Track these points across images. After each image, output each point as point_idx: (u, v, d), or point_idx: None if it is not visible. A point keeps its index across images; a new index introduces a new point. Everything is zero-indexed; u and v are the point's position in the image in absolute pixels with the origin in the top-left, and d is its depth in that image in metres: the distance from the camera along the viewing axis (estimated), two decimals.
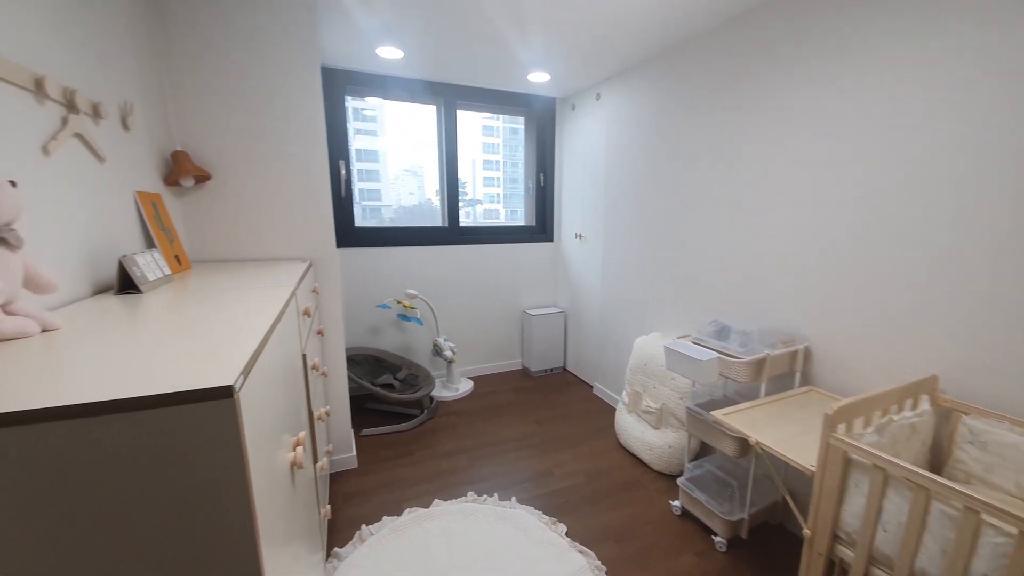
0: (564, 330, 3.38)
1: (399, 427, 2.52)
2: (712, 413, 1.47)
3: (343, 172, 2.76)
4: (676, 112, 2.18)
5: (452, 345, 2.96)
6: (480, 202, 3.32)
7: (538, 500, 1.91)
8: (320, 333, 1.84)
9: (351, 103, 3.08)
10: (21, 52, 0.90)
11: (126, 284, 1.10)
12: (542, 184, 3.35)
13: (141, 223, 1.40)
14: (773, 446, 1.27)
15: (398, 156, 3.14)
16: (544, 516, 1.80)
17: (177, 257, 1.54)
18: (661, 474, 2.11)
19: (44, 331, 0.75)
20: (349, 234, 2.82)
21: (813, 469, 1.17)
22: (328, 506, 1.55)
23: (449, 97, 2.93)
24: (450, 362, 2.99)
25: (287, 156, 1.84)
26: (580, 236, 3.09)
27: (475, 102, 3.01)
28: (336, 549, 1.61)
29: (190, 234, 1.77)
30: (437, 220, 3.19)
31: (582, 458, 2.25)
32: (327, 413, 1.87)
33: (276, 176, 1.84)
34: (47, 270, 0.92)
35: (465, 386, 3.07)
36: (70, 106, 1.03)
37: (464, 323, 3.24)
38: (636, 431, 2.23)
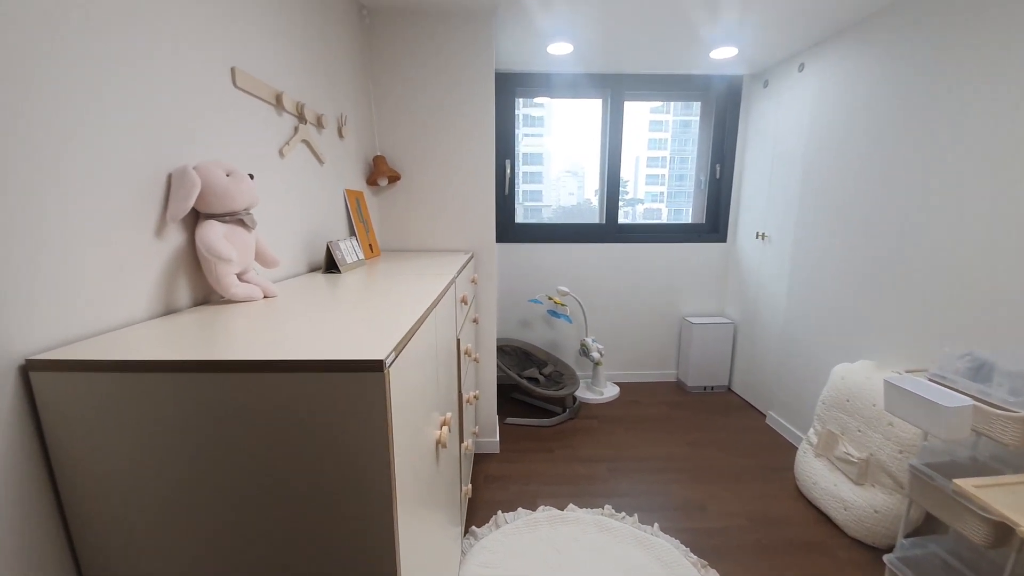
0: (732, 344, 2.94)
1: (541, 422, 2.53)
2: (956, 482, 1.06)
3: (508, 171, 2.90)
4: (915, 82, 1.65)
5: (600, 347, 2.86)
6: (641, 201, 3.13)
7: (685, 534, 1.69)
8: (475, 321, 1.96)
9: (522, 110, 3.33)
10: (265, 71, 1.14)
11: (331, 264, 1.32)
12: (718, 177, 2.97)
13: (347, 215, 1.68)
14: None
15: (560, 158, 3.16)
16: (691, 555, 1.58)
17: (371, 245, 1.81)
18: (857, 542, 1.65)
19: (266, 297, 0.93)
20: (509, 229, 2.95)
21: None
22: (469, 485, 1.63)
23: (617, 88, 2.80)
24: (596, 364, 2.89)
25: (460, 158, 2.00)
26: (763, 236, 2.64)
27: (645, 90, 2.82)
28: (474, 527, 1.69)
29: (383, 226, 2.07)
30: (595, 219, 3.11)
31: (746, 498, 1.91)
32: (476, 397, 1.98)
33: (450, 176, 2.01)
34: (274, 248, 1.16)
35: (611, 391, 2.93)
36: (300, 117, 1.28)
37: (615, 325, 3.09)
38: (826, 481, 1.79)
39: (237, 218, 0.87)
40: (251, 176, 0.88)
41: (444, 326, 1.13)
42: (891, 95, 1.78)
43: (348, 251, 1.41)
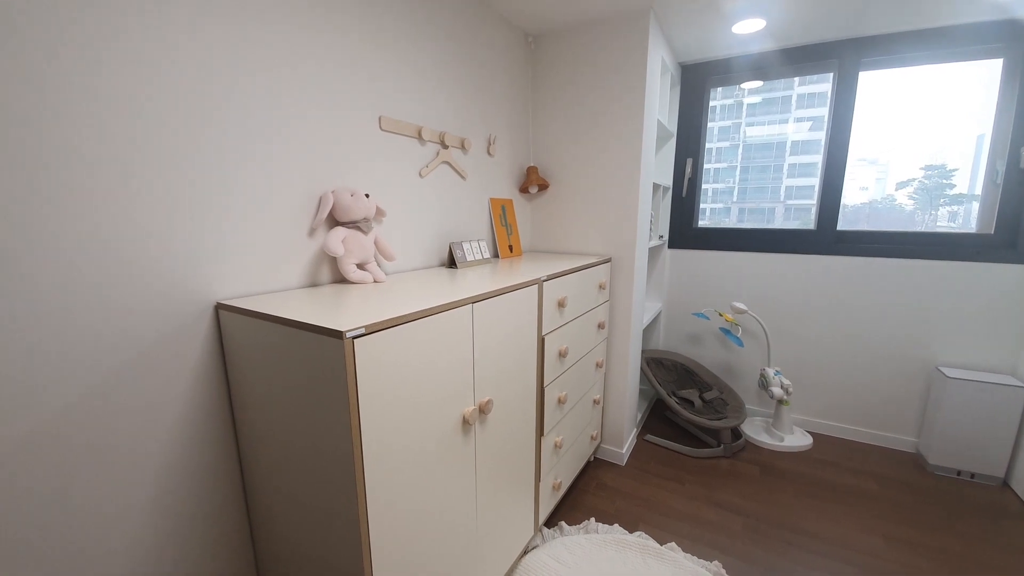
0: (1021, 419, 1.92)
1: (683, 449, 2.29)
2: None
3: (688, 170, 2.67)
4: None
5: (786, 382, 2.34)
6: (976, 198, 2.34)
7: None
8: (601, 326, 1.96)
9: (796, 90, 3.01)
10: (411, 113, 1.50)
11: (452, 261, 1.63)
12: (1023, 166, 1.97)
13: (489, 220, 1.98)
14: None
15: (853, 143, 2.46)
16: None
17: (511, 246, 2.06)
18: None
19: (376, 282, 1.27)
20: (687, 234, 2.72)
21: None
22: (559, 480, 1.70)
23: (850, 56, 2.20)
24: (780, 402, 2.38)
25: (603, 167, 2.02)
26: None
27: (894, 54, 2.12)
28: (563, 523, 1.74)
29: (535, 229, 2.29)
30: (904, 222, 2.51)
31: None
32: (596, 401, 2.01)
33: (593, 184, 2.07)
34: (408, 247, 1.53)
35: (797, 440, 2.36)
36: (442, 144, 1.61)
37: (816, 359, 2.46)
38: None
39: (356, 225, 1.23)
40: (367, 195, 1.24)
41: (517, 323, 1.26)
42: None
43: (470, 251, 1.68)
